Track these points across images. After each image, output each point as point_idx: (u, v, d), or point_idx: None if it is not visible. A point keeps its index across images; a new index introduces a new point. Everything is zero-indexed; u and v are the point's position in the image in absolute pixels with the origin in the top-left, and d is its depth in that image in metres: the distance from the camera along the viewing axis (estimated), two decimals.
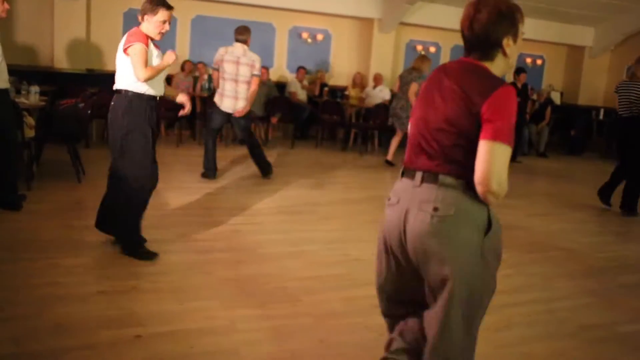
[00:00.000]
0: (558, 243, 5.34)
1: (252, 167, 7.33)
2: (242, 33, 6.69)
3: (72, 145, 6.05)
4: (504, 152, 1.83)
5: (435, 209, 1.90)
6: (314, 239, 4.76)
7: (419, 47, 12.39)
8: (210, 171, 6.72)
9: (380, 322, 2.84)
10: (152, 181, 4.12)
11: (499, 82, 1.89)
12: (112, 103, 4.06)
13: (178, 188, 5.05)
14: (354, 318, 3.32)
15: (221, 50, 6.69)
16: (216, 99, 6.72)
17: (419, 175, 1.97)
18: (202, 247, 4.39)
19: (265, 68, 10.39)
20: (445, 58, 12.69)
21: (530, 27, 11.48)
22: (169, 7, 3.98)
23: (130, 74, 3.92)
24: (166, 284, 3.62)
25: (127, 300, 3.34)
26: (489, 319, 3.48)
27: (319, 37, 11.71)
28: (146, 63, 3.84)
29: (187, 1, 9.89)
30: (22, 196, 5.06)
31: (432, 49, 12.51)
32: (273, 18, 11.15)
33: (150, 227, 4.74)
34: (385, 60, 11.61)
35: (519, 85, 10.03)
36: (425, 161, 1.97)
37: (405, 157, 2.10)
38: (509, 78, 13.50)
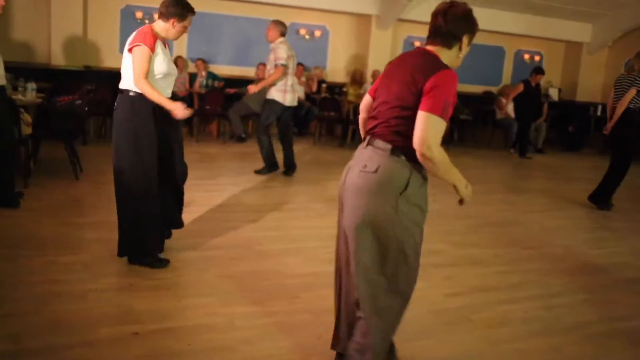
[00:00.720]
0: (555, 240, 5.36)
1: (250, 164, 7.34)
2: (286, 27, 6.89)
3: (70, 143, 6.05)
4: (437, 122, 2.16)
5: (364, 166, 2.31)
6: (312, 236, 4.77)
7: (417, 43, 12.38)
8: (275, 165, 7.00)
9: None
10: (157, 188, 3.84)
11: (443, 66, 2.25)
12: (116, 103, 3.84)
13: None
14: None
15: (286, 46, 6.73)
16: (277, 95, 6.75)
17: (366, 139, 2.41)
18: (200, 244, 4.40)
19: (262, 65, 10.39)
20: None
21: (528, 24, 11.61)
22: (194, 12, 3.87)
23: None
24: (164, 281, 3.63)
25: (125, 297, 3.35)
26: (485, 315, 3.52)
27: (317, 33, 11.69)
28: (146, 69, 3.63)
29: None
30: (19, 193, 5.06)
31: None
32: (271, 14, 11.08)
33: None
34: (383, 56, 11.59)
35: (533, 84, 10.07)
36: (372, 129, 2.38)
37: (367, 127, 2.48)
38: (507, 77, 13.50)
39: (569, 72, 13.94)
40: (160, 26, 3.77)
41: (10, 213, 4.73)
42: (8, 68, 4.92)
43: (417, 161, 2.24)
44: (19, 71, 7.12)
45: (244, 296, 3.51)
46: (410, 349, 3.00)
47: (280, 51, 6.65)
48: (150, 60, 3.65)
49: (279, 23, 6.81)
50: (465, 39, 2.36)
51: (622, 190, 6.74)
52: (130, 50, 3.69)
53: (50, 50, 9.44)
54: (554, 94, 13.20)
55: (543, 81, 13.75)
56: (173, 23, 3.75)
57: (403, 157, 2.26)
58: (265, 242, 4.57)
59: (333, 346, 2.66)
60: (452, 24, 2.32)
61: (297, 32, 11.53)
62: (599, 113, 12.75)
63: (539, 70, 10.32)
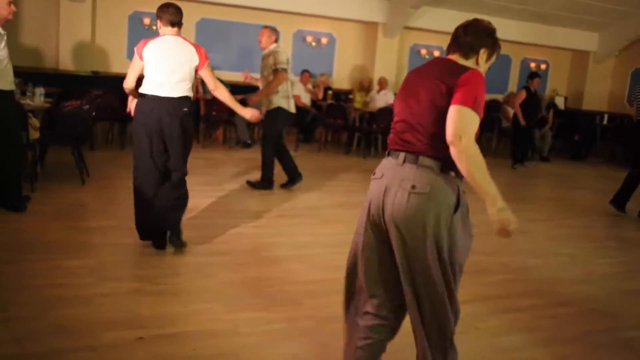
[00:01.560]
0: (560, 248, 5.33)
1: (255, 170, 7.35)
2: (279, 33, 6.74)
3: (77, 147, 6.07)
4: (469, 114, 2.12)
5: (413, 187, 2.20)
6: (317, 243, 4.77)
7: (423, 51, 12.40)
8: (298, 176, 6.69)
9: None
10: (152, 187, 4.11)
11: (469, 68, 2.25)
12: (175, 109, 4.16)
13: None
14: None
15: (284, 51, 6.53)
16: (283, 103, 6.41)
17: (402, 155, 2.28)
18: (205, 249, 4.40)
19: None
20: None
21: (534, 32, 11.62)
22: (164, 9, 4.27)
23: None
24: (169, 286, 3.63)
25: (130, 302, 3.35)
26: (491, 324, 3.50)
27: (324, 40, 11.73)
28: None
29: (191, 4, 9.91)
30: (26, 197, 5.08)
31: (436, 53, 12.50)
32: (277, 21, 11.14)
33: None
34: (389, 64, 11.63)
35: (532, 89, 10.04)
36: (408, 144, 2.27)
37: (390, 140, 2.39)
38: (513, 86, 13.46)
39: (575, 81, 13.93)
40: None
41: (17, 217, 4.75)
42: (17, 73, 4.95)
43: (457, 172, 2.21)
44: (28, 76, 7.17)
45: (248, 302, 3.50)
46: (415, 357, 2.99)
47: (280, 55, 6.33)
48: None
49: (273, 29, 6.53)
50: (483, 53, 2.37)
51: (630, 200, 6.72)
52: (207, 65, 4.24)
53: (58, 56, 9.51)
54: (560, 102, 13.19)
55: (549, 89, 13.77)
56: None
57: (453, 173, 2.22)
58: (271, 248, 4.57)
59: None
60: (471, 35, 2.36)
61: (304, 39, 11.57)
62: (605, 122, 12.73)
63: (535, 74, 10.26)
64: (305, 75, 10.73)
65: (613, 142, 12.26)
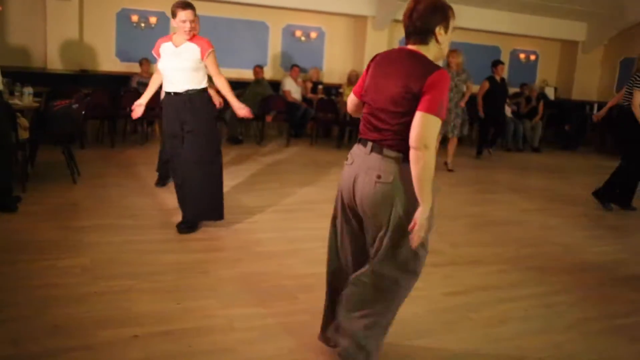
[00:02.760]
0: (553, 238, 5.37)
1: (247, 166, 7.35)
2: None
3: (67, 146, 6.05)
4: (433, 121, 2.24)
5: (379, 176, 2.37)
6: (310, 237, 4.77)
7: None
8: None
9: None
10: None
11: (434, 67, 2.29)
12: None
13: (173, 188, 5.07)
14: None
15: None
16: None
17: (369, 145, 2.43)
18: (199, 246, 4.40)
19: (259, 67, 10.41)
20: None
21: (523, 23, 11.58)
22: (184, 7, 4.37)
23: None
24: (163, 283, 3.63)
25: (125, 300, 3.34)
26: (485, 314, 3.52)
27: (313, 35, 11.71)
28: (157, 66, 4.64)
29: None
30: (17, 198, 5.05)
31: None
32: (266, 16, 11.15)
33: (147, 227, 4.75)
34: None
35: (497, 78, 9.83)
36: (375, 134, 2.42)
37: (360, 129, 2.52)
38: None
39: (564, 71, 13.98)
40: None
41: (9, 217, 4.72)
42: (5, 73, 4.93)
43: None
44: (16, 75, 7.12)
45: (243, 298, 3.51)
46: (410, 347, 3.01)
47: None
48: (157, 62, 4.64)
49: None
50: (439, 31, 2.36)
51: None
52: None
53: (46, 55, 9.44)
54: (549, 92, 13.24)
55: (539, 80, 13.81)
56: (174, 21, 4.42)
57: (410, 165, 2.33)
58: (264, 243, 4.57)
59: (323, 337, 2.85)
60: (420, 20, 2.34)
61: (293, 34, 11.55)
62: (595, 111, 12.77)
63: (498, 62, 9.97)
64: (295, 70, 10.71)
65: (603, 131, 12.32)
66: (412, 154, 2.26)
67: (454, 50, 8.42)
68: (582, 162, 10.71)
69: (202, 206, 4.67)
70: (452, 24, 2.40)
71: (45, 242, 4.20)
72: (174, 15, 4.38)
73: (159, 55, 4.57)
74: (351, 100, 2.70)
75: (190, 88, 4.48)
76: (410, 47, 2.41)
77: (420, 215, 2.31)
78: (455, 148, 8.50)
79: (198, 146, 4.54)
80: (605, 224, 6.11)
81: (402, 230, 2.38)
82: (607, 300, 3.93)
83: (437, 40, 2.37)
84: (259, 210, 5.52)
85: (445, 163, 8.35)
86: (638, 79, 6.21)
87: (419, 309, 3.48)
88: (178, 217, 4.88)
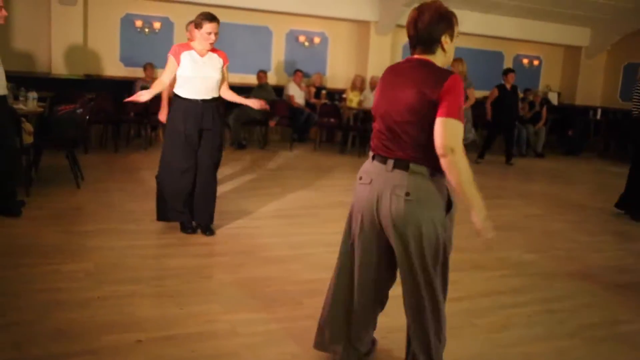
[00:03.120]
0: (556, 243, 5.35)
1: (250, 170, 7.35)
2: None
3: (71, 151, 6.06)
4: (455, 125, 2.19)
5: (407, 194, 2.29)
6: (314, 242, 4.77)
7: None
8: None
9: (382, 324, 2.85)
10: (181, 180, 4.60)
11: (447, 73, 2.27)
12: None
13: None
14: None
15: None
16: None
17: (390, 162, 2.35)
18: (203, 250, 4.40)
19: (262, 72, 10.43)
20: None
21: (526, 29, 11.59)
22: (212, 20, 4.53)
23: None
24: (166, 288, 3.63)
25: (128, 305, 3.34)
26: (488, 320, 3.51)
27: (316, 40, 11.73)
28: (168, 71, 4.55)
29: (183, 5, 9.90)
30: (21, 202, 5.06)
31: None
32: (270, 22, 11.17)
33: (150, 231, 4.76)
34: (382, 62, 11.61)
35: (508, 86, 9.89)
36: (396, 150, 2.34)
37: (374, 145, 2.45)
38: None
39: (568, 76, 13.98)
40: (196, 38, 4.58)
41: (12, 222, 4.73)
42: (9, 77, 4.94)
43: (444, 174, 2.29)
44: (20, 80, 7.15)
45: (247, 303, 3.50)
46: None
47: None
48: (171, 64, 4.54)
49: None
50: (445, 38, 2.34)
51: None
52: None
53: (51, 60, 9.48)
54: (553, 98, 13.23)
55: (542, 85, 13.81)
56: (198, 32, 4.52)
57: (442, 178, 2.31)
58: (268, 248, 4.57)
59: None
60: (425, 30, 2.32)
61: (297, 39, 11.57)
62: (598, 117, 12.77)
63: (509, 70, 10.07)
64: (299, 75, 10.73)
65: (606, 136, 12.31)
66: (443, 162, 2.21)
67: (458, 59, 8.51)
68: (586, 167, 10.69)
69: (213, 207, 4.81)
70: (456, 30, 2.39)
71: (48, 247, 4.21)
72: (198, 26, 4.48)
73: (178, 61, 4.54)
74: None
75: (216, 96, 4.67)
76: (417, 56, 2.38)
77: (476, 219, 2.29)
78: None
79: (217, 150, 4.70)
80: (609, 229, 6.09)
81: (438, 245, 2.35)
82: (611, 306, 3.92)
83: (443, 49, 2.35)
84: (262, 215, 5.52)
85: None
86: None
87: None
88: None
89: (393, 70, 2.45)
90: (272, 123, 9.90)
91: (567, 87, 13.90)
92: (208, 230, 4.76)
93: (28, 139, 5.70)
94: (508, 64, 13.51)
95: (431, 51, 2.35)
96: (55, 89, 8.55)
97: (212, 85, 4.61)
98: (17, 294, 3.38)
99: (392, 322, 3.00)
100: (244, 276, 3.95)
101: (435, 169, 2.28)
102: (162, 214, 4.73)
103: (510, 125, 10.08)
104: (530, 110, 11.62)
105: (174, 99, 4.63)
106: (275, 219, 5.48)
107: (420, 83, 2.26)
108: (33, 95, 6.60)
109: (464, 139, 8.08)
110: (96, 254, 4.13)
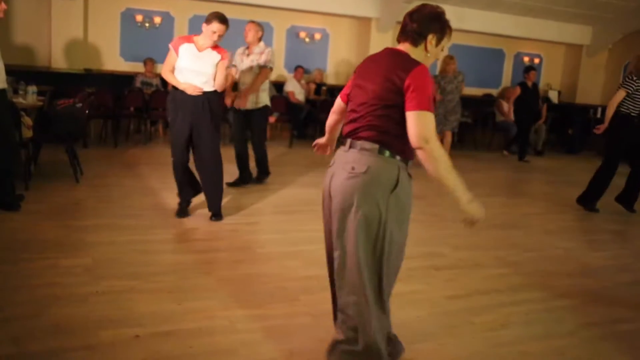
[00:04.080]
0: (556, 242, 5.35)
1: (250, 167, 7.33)
2: None
3: (70, 146, 6.05)
4: (427, 116, 2.24)
5: (353, 168, 2.33)
6: (312, 239, 4.75)
7: None
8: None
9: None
10: (180, 160, 4.96)
11: (416, 63, 2.32)
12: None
13: (175, 188, 5.08)
14: None
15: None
16: (267, 100, 6.62)
17: (348, 142, 2.43)
18: (201, 247, 4.40)
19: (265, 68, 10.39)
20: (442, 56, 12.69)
21: (527, 26, 11.58)
22: (220, 20, 4.72)
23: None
24: (165, 284, 3.63)
25: (126, 300, 3.34)
26: (487, 318, 3.51)
27: (317, 36, 11.72)
28: (167, 62, 4.79)
29: (184, 1, 9.89)
30: (20, 196, 5.06)
31: None
32: (271, 18, 11.15)
33: (149, 227, 4.76)
34: None
35: (529, 83, 10.00)
36: (355, 132, 2.41)
37: (343, 130, 2.53)
38: (507, 80, 13.46)
39: (568, 75, 13.97)
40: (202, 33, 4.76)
41: (11, 216, 4.73)
42: (9, 71, 4.93)
43: (404, 158, 2.35)
44: (20, 74, 7.14)
45: (244, 299, 3.50)
46: (412, 351, 3.00)
47: (270, 54, 6.43)
48: (171, 56, 4.76)
49: (260, 25, 6.59)
50: (431, 38, 2.40)
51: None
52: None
53: (50, 54, 9.47)
54: (553, 96, 13.22)
55: (542, 83, 13.80)
56: (203, 27, 4.71)
57: (390, 156, 2.32)
58: (266, 245, 4.57)
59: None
60: (418, 22, 2.39)
61: (297, 35, 11.56)
62: (598, 115, 12.74)
63: (530, 68, 10.21)
64: (299, 71, 10.72)
65: (606, 135, 12.27)
66: (420, 154, 2.26)
67: (450, 56, 8.81)
68: (585, 166, 10.66)
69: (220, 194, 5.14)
70: (445, 41, 2.45)
71: (47, 242, 4.20)
72: (208, 21, 4.69)
73: (177, 52, 4.74)
74: (337, 104, 2.75)
75: (209, 90, 4.82)
76: (397, 47, 2.46)
77: (462, 206, 2.33)
78: (450, 142, 8.90)
79: (216, 142, 4.94)
80: (608, 228, 6.09)
81: (382, 224, 2.30)
82: (609, 305, 3.91)
83: (426, 48, 2.41)
84: (260, 212, 5.52)
85: None
86: (627, 80, 6.26)
87: (420, 312, 3.48)
88: (180, 218, 4.90)
89: (369, 58, 2.53)
90: (272, 119, 9.89)
91: (568, 85, 13.89)
92: (215, 216, 5.06)
93: (27, 133, 5.69)
94: (509, 61, 13.51)
95: (414, 44, 2.41)
96: (55, 83, 8.55)
97: (203, 79, 4.77)
98: (15, 288, 3.37)
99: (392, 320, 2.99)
100: (242, 272, 3.94)
101: (385, 147, 2.32)
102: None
103: (530, 122, 10.24)
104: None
105: (171, 89, 4.91)
106: (274, 215, 5.47)
107: (389, 71, 2.32)
108: (33, 89, 6.61)
109: (453, 128, 8.25)
110: (95, 249, 4.13)
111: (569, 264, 4.72)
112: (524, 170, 9.64)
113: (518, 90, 9.96)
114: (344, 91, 2.64)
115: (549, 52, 13.90)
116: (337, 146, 2.60)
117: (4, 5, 4.60)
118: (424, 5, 2.43)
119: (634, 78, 6.24)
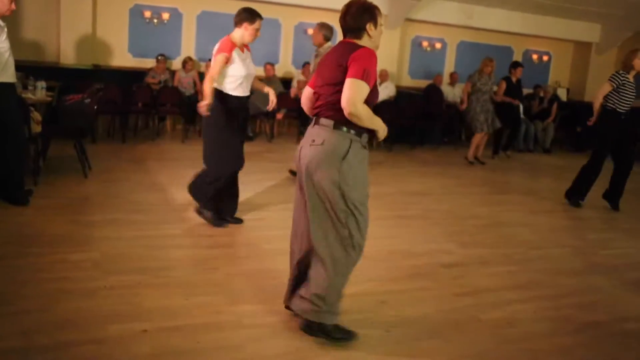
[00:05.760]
0: (563, 240, 5.34)
1: (257, 163, 7.35)
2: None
3: (79, 141, 6.08)
4: (359, 84, 2.67)
5: (313, 141, 2.83)
6: None
7: (425, 43, 12.37)
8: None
9: (387, 319, 2.86)
10: (239, 168, 5.03)
11: (361, 46, 2.79)
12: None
13: (183, 184, 5.08)
14: (359, 314, 3.32)
15: None
16: None
17: (313, 120, 2.92)
18: (208, 242, 4.41)
19: (270, 64, 10.41)
20: (451, 54, 12.65)
21: (536, 24, 11.52)
22: (262, 17, 4.64)
23: (221, 76, 4.51)
24: (173, 279, 3.64)
25: (134, 295, 3.36)
26: (494, 315, 3.51)
27: None
28: (219, 71, 4.46)
29: None
30: (29, 191, 5.09)
31: (438, 45, 12.47)
32: (279, 14, 11.14)
33: (157, 222, 4.77)
34: (391, 56, 11.59)
35: (514, 79, 9.77)
36: (316, 111, 2.90)
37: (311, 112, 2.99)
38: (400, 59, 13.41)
39: (577, 72, 13.88)
40: (237, 34, 4.57)
41: (20, 211, 4.76)
42: (18, 67, 4.95)
43: (357, 132, 2.79)
44: (29, 70, 7.16)
45: (252, 294, 3.51)
46: (419, 348, 3.00)
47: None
48: (224, 63, 4.46)
49: (324, 26, 6.59)
50: (369, 28, 2.85)
51: (630, 190, 6.71)
52: (215, 55, 4.49)
53: (59, 49, 9.49)
54: (562, 94, 13.14)
55: (551, 81, 13.72)
56: (245, 27, 4.54)
57: (344, 129, 2.77)
58: (273, 240, 4.58)
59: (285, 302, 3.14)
60: (352, 21, 2.83)
61: (305, 31, 11.53)
62: None
63: (517, 64, 9.93)
64: (307, 67, 10.70)
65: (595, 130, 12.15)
66: (346, 114, 2.68)
67: (490, 58, 9.15)
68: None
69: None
70: (380, 20, 2.90)
71: (56, 236, 4.23)
72: (251, 21, 4.55)
73: (232, 59, 4.52)
74: (306, 91, 3.05)
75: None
76: (346, 40, 2.88)
77: (379, 133, 2.88)
78: (484, 143, 9.25)
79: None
80: (616, 226, 6.07)
81: (336, 186, 2.75)
82: (618, 303, 3.90)
83: (369, 35, 2.86)
84: (268, 208, 5.53)
85: (476, 158, 9.18)
86: (615, 74, 6.33)
87: (428, 309, 3.48)
88: (188, 213, 4.92)
89: (329, 51, 2.96)
90: (279, 116, 9.89)
91: (577, 83, 13.80)
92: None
93: (36, 128, 5.72)
94: (517, 59, 13.40)
95: (359, 37, 2.85)
96: (63, 78, 8.57)
97: (251, 81, 4.82)
98: (24, 282, 3.40)
99: (399, 316, 3.00)
100: (249, 268, 3.95)
101: (339, 123, 2.77)
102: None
103: (517, 118, 10.06)
104: (538, 106, 11.56)
105: (226, 96, 4.58)
106: (281, 211, 5.47)
107: (340, 57, 2.77)
108: (42, 84, 6.63)
109: (491, 129, 8.36)
110: (103, 244, 4.15)
111: (577, 262, 4.71)
112: (532, 167, 9.61)
113: (504, 85, 9.73)
114: (311, 82, 3.02)
115: (557, 49, 13.82)
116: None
117: (13, 6, 4.64)
118: (349, 5, 2.83)
119: (621, 72, 6.34)
